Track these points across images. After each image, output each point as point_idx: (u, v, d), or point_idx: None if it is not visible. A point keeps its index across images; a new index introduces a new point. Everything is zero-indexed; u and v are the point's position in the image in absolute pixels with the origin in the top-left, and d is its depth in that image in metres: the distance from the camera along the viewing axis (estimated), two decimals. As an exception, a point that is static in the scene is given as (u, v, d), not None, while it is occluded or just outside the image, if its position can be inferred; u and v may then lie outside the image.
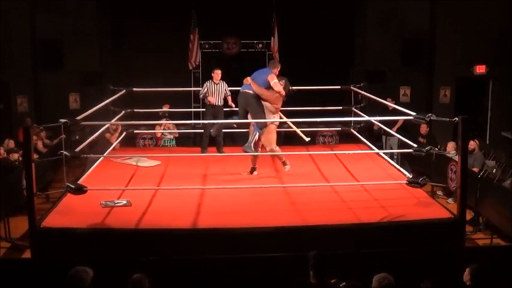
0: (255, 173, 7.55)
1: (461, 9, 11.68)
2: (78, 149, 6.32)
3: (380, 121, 8.94)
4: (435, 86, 12.35)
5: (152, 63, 11.86)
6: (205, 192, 6.70)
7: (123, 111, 8.90)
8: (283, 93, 7.19)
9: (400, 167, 7.51)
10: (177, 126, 10.75)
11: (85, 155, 6.86)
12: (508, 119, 11.56)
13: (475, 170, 8.17)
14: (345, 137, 10.15)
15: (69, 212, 6.02)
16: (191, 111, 11.51)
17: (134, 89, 9.24)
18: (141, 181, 7.28)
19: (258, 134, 7.22)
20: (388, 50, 12.12)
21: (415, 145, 6.82)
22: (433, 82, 12.35)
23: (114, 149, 8.54)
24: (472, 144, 8.44)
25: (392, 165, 7.72)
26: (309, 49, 12.23)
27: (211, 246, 5.47)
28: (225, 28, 12.39)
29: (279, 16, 12.09)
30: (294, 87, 7.53)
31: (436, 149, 8.33)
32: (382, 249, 5.39)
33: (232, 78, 8.85)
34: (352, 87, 9.60)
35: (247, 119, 7.30)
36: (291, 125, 7.68)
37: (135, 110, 9.22)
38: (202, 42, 12.44)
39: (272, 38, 12.23)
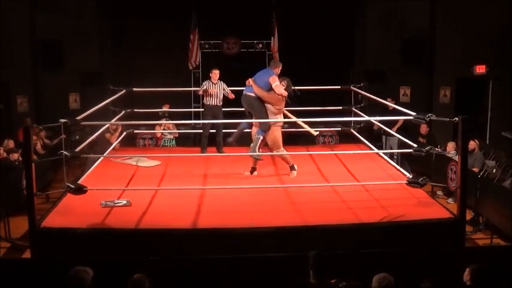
0: (255, 173, 7.54)
1: (461, 9, 11.67)
2: (78, 149, 6.32)
3: (380, 121, 8.94)
4: (435, 86, 12.35)
5: (152, 63, 11.86)
6: (205, 192, 6.70)
7: (123, 111, 8.90)
8: (285, 94, 7.19)
9: (400, 167, 7.51)
10: (177, 126, 10.75)
11: (85, 155, 6.88)
12: (508, 119, 11.56)
13: (475, 170, 8.16)
14: (345, 137, 10.15)
15: (69, 212, 6.02)
16: (191, 111, 11.51)
17: (134, 89, 9.24)
18: (141, 181, 7.28)
19: (261, 137, 7.23)
20: (388, 50, 12.12)
21: (415, 145, 6.82)
22: (433, 82, 12.35)
23: (114, 149, 8.54)
24: (472, 144, 8.44)
25: (392, 165, 7.72)
26: (309, 49, 12.23)
27: (211, 246, 5.47)
28: (225, 28, 12.40)
29: (279, 16, 12.09)
30: (297, 88, 7.52)
31: (436, 149, 8.33)
32: (382, 249, 5.39)
33: (232, 78, 8.86)
34: (352, 87, 9.60)
35: (256, 115, 7.28)
36: (297, 120, 7.68)
37: (135, 110, 9.22)
38: (202, 42, 12.44)
39: (272, 38, 12.23)
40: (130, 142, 10.13)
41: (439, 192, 8.92)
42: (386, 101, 8.73)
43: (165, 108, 10.52)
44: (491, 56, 11.70)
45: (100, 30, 12.08)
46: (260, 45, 12.78)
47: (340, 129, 9.80)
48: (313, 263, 4.02)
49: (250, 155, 7.43)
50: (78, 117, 6.27)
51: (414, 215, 6.00)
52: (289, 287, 4.07)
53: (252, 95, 7.22)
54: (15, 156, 8.32)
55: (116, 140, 8.78)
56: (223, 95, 8.77)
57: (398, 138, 8.24)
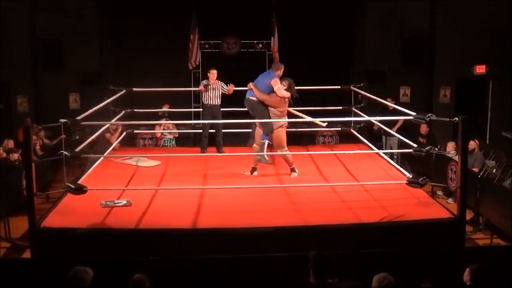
0: (255, 173, 7.55)
1: (461, 9, 11.68)
2: (78, 149, 6.32)
3: (380, 121, 8.94)
4: (435, 86, 12.35)
5: (152, 63, 11.86)
6: (205, 192, 6.70)
7: (123, 111, 8.90)
8: (288, 96, 7.19)
9: (400, 167, 7.51)
10: (177, 126, 10.75)
11: (85, 155, 6.87)
12: (508, 119, 11.56)
13: (475, 170, 8.17)
14: (345, 137, 10.15)
15: (69, 212, 6.02)
16: (191, 111, 11.52)
17: (134, 89, 9.24)
18: (141, 181, 7.28)
19: (267, 142, 7.24)
20: (388, 50, 12.12)
21: (415, 145, 6.82)
22: (433, 82, 12.35)
23: (114, 149, 8.55)
24: (472, 144, 8.44)
25: (392, 165, 7.72)
26: (309, 49, 12.24)
27: (211, 246, 5.47)
28: (225, 28, 12.40)
29: (279, 16, 12.09)
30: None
31: (436, 149, 8.33)
32: (382, 249, 5.39)
33: (233, 79, 8.85)
34: (352, 87, 9.60)
35: (259, 118, 7.30)
36: (303, 115, 7.68)
37: (135, 110, 9.22)
38: (202, 42, 12.44)
39: (272, 38, 12.23)
40: (130, 142, 10.13)
41: (439, 192, 8.93)
42: (386, 101, 8.73)
43: (165, 108, 10.52)
44: (491, 56, 11.70)
45: (100, 30, 12.08)
46: (260, 45, 12.78)
47: (340, 129, 9.79)
48: (313, 263, 4.02)
49: (254, 157, 7.45)
50: (78, 117, 6.28)
51: (414, 215, 6.00)
52: (289, 287, 4.07)
53: (254, 99, 7.23)
54: (15, 156, 8.32)
55: (116, 140, 8.78)
56: (224, 93, 8.76)
57: (398, 138, 8.25)
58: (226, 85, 8.72)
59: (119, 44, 12.55)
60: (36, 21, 11.60)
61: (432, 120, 6.37)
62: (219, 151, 8.83)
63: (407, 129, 10.04)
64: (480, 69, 11.96)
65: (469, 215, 7.13)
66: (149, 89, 9.34)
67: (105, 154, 7.61)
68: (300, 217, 5.96)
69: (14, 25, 11.19)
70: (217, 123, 8.72)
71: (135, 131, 9.70)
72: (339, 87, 9.72)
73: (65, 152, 6.00)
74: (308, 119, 7.77)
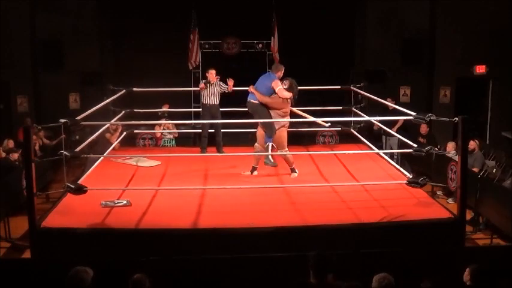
0: (255, 173, 7.55)
1: (461, 9, 11.68)
2: (78, 149, 6.32)
3: (380, 121, 8.94)
4: (435, 86, 12.35)
5: (152, 63, 11.86)
6: (206, 192, 6.70)
7: (123, 111, 8.90)
8: (289, 96, 7.20)
9: (400, 167, 7.50)
10: (177, 126, 10.75)
11: (85, 155, 6.87)
12: (508, 119, 11.56)
13: (475, 170, 8.17)
14: (345, 137, 10.15)
15: (69, 212, 6.02)
16: (191, 111, 11.52)
17: (134, 89, 9.24)
18: (141, 181, 7.28)
19: (271, 144, 7.24)
20: (388, 50, 12.12)
21: (415, 145, 6.81)
22: (433, 82, 12.35)
23: (114, 149, 8.55)
24: (472, 144, 8.44)
25: (392, 165, 7.71)
26: (309, 49, 12.24)
27: (211, 246, 5.47)
28: (225, 28, 12.40)
29: (279, 16, 12.09)
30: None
31: (436, 149, 8.33)
32: (382, 249, 5.39)
33: (233, 79, 8.84)
34: (352, 87, 9.60)
35: (262, 122, 7.30)
36: (306, 115, 7.68)
37: (135, 110, 9.22)
38: (202, 42, 12.44)
39: (272, 38, 12.23)
40: (130, 142, 10.13)
41: (439, 192, 8.93)
42: (386, 101, 8.73)
43: (165, 108, 10.52)
44: (491, 56, 11.70)
45: (100, 30, 12.08)
46: (260, 45, 12.78)
47: (340, 129, 9.79)
48: (313, 263, 4.02)
49: (254, 156, 7.47)
50: (78, 117, 6.27)
51: (414, 215, 6.00)
52: (289, 287, 4.07)
53: (256, 102, 7.24)
54: (15, 156, 8.32)
55: (116, 140, 8.78)
56: (224, 92, 8.76)
57: (398, 138, 8.24)
58: (225, 84, 8.72)
59: (119, 44, 12.55)
60: (36, 21, 11.60)
61: (432, 120, 6.37)
62: (219, 151, 8.83)
63: (407, 129, 10.04)
64: (480, 69, 11.96)
65: (469, 215, 7.13)
66: (149, 89, 9.34)
67: (105, 154, 7.60)
68: (300, 217, 5.96)
69: (14, 25, 11.19)
70: (216, 123, 8.72)
71: (135, 131, 9.71)
72: (339, 87, 9.72)
73: (65, 152, 6.00)
74: (311, 119, 7.78)
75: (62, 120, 6.02)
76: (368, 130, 10.07)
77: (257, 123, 7.45)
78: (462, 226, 5.97)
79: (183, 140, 10.88)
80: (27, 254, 6.10)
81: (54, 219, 5.78)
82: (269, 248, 5.39)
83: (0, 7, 10.95)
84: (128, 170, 7.88)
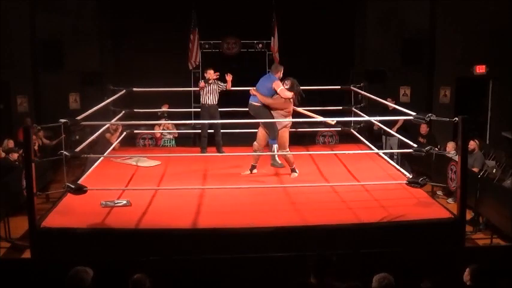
0: (255, 171, 7.55)
1: (461, 9, 11.68)
2: (78, 149, 6.32)
3: (380, 121, 8.94)
4: (435, 86, 12.36)
5: (152, 63, 11.86)
6: (205, 192, 6.70)
7: (123, 111, 8.90)
8: (291, 96, 7.20)
9: (400, 167, 7.51)
10: (177, 126, 10.74)
11: (85, 155, 6.86)
12: (508, 119, 11.56)
13: (475, 170, 8.17)
14: (345, 137, 10.15)
15: (69, 212, 6.02)
16: (191, 111, 11.53)
17: (134, 89, 9.24)
18: (141, 181, 7.28)
19: (276, 145, 7.24)
20: (388, 50, 12.13)
21: (415, 145, 6.81)
22: (433, 82, 12.35)
23: (114, 149, 8.54)
24: (472, 144, 8.44)
25: (392, 165, 7.72)
26: (309, 49, 12.24)
27: (211, 246, 5.47)
28: (225, 28, 12.40)
29: (279, 16, 12.09)
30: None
31: (436, 149, 8.33)
32: (382, 249, 5.39)
33: (232, 79, 8.84)
34: (352, 87, 9.59)
35: (264, 124, 7.31)
36: (314, 115, 7.68)
37: (135, 110, 9.22)
38: (202, 42, 12.44)
39: (272, 38, 12.23)
40: (130, 142, 10.13)
41: (439, 192, 8.93)
42: (386, 101, 8.73)
43: (164, 109, 10.52)
44: (491, 56, 11.70)
45: (100, 30, 12.09)
46: (260, 45, 12.78)
47: (340, 129, 9.79)
48: (313, 263, 4.02)
49: (272, 165, 7.49)
50: (78, 117, 6.27)
51: (414, 215, 6.00)
52: (289, 287, 4.07)
53: (257, 104, 7.25)
54: (15, 156, 8.32)
55: (116, 140, 8.77)
56: (222, 90, 8.77)
57: (398, 138, 8.24)
58: (223, 81, 8.73)
59: (119, 44, 12.55)
60: (36, 21, 11.60)
61: (432, 120, 6.37)
62: (218, 151, 8.83)
63: (407, 129, 10.04)
64: (480, 69, 11.96)
65: (469, 215, 7.13)
66: (149, 89, 9.34)
67: (105, 154, 7.60)
68: (300, 217, 5.96)
69: (14, 25, 11.19)
70: (216, 123, 8.72)
71: (135, 131, 9.71)
72: (339, 87, 9.72)
73: (65, 152, 6.00)
74: (320, 118, 7.77)
75: (62, 120, 6.02)
76: (368, 130, 10.07)
77: (258, 124, 7.45)
78: (462, 226, 5.97)
79: (183, 140, 10.88)
80: (27, 254, 6.10)
81: (54, 219, 5.78)
82: (269, 248, 5.39)
83: (0, 7, 10.95)
84: (127, 170, 7.88)
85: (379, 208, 6.19)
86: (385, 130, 9.08)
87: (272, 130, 7.22)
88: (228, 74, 8.70)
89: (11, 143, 8.88)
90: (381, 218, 5.90)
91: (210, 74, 8.68)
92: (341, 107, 9.69)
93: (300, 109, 7.63)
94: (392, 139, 10.15)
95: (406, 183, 6.37)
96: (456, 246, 5.78)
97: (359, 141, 9.05)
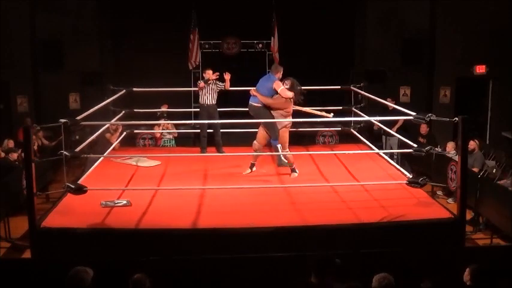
0: (254, 169, 7.54)
1: (461, 9, 11.68)
2: (78, 149, 6.32)
3: (380, 121, 8.94)
4: (435, 86, 12.35)
5: (152, 63, 11.85)
6: (205, 192, 6.70)
7: (123, 111, 8.90)
8: (292, 96, 7.21)
9: (400, 167, 7.51)
10: (176, 126, 10.74)
11: (85, 155, 6.87)
12: (508, 119, 11.56)
13: (475, 170, 8.16)
14: (345, 137, 10.15)
15: (69, 212, 6.02)
16: (191, 111, 11.53)
17: (134, 89, 9.25)
18: (141, 181, 7.28)
19: (279, 144, 7.24)
20: (388, 50, 12.12)
21: (415, 145, 6.82)
22: (433, 82, 12.35)
23: (114, 149, 8.54)
24: (472, 144, 8.44)
25: (392, 165, 7.72)
26: (309, 49, 12.23)
27: (211, 246, 5.47)
28: (225, 28, 12.39)
29: (279, 16, 12.08)
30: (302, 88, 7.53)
31: (436, 149, 8.33)
32: (382, 249, 5.39)
33: (232, 79, 8.85)
34: (352, 87, 9.59)
35: (264, 125, 7.31)
36: (308, 109, 7.67)
37: (135, 110, 9.22)
38: (202, 42, 12.43)
39: (272, 38, 12.22)
40: (130, 142, 10.13)
41: (439, 192, 8.93)
42: (386, 101, 8.73)
43: (164, 109, 10.51)
44: (491, 56, 11.70)
45: (100, 30, 12.09)
46: (260, 45, 12.77)
47: (340, 129, 9.80)
48: (313, 263, 4.02)
49: (279, 165, 7.49)
50: (78, 117, 6.28)
51: (414, 215, 6.00)
52: (289, 287, 4.07)
53: (257, 104, 7.25)
54: (15, 156, 8.32)
55: (116, 140, 8.77)
56: (221, 89, 8.77)
57: (398, 138, 8.24)
58: (222, 80, 8.73)
59: (119, 44, 12.55)
60: (36, 21, 11.60)
61: (432, 120, 6.37)
62: (218, 151, 8.83)
63: (407, 129, 10.04)
64: (480, 69, 11.96)
65: (469, 215, 7.13)
66: (149, 89, 9.35)
67: (105, 154, 7.60)
68: (300, 217, 5.96)
69: (14, 25, 11.19)
70: (215, 123, 8.72)
71: (135, 131, 9.71)
72: (339, 87, 9.72)
73: (65, 152, 6.00)
74: (322, 114, 7.76)
75: (62, 120, 6.02)
76: (368, 130, 10.06)
77: (258, 124, 7.45)
78: (462, 226, 5.97)
79: (183, 140, 10.87)
80: (27, 254, 6.10)
81: (54, 219, 5.78)
82: (269, 248, 5.39)
83: (0, 7, 10.96)
84: (128, 170, 7.88)
85: (379, 208, 6.19)
86: (385, 130, 9.08)
87: (273, 130, 7.23)
88: (226, 73, 8.71)
89: (11, 143, 8.88)
90: (381, 218, 5.90)
91: (209, 74, 8.69)
92: (341, 107, 9.69)
93: (306, 109, 7.64)
94: (392, 139, 10.15)
95: (406, 183, 6.37)
96: (456, 246, 5.78)
97: (359, 141, 9.05)
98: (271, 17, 12.10)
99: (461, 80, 12.20)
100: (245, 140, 8.48)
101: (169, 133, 10.43)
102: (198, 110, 9.14)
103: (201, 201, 6.39)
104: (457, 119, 5.90)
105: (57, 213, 5.99)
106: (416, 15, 12.13)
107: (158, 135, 10.41)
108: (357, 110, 9.35)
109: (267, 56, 12.60)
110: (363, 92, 9.06)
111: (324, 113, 7.74)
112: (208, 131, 8.85)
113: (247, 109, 7.46)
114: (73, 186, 5.93)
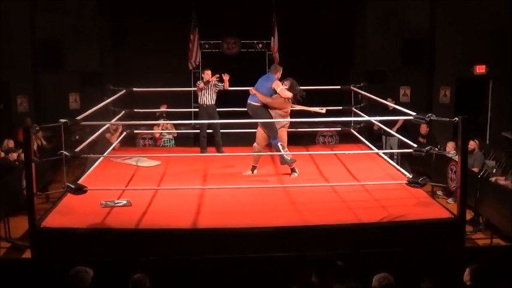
0: (255, 171, 7.55)
1: (461, 9, 11.68)
2: (78, 149, 6.32)
3: (380, 121, 8.94)
4: (435, 86, 12.35)
5: (152, 63, 11.86)
6: (205, 192, 6.70)
7: (123, 111, 8.90)
8: (291, 96, 7.21)
9: (400, 167, 7.51)
10: (176, 126, 10.74)
11: (85, 155, 6.87)
12: (508, 119, 11.56)
13: (475, 170, 8.16)
14: (345, 137, 10.15)
15: (69, 212, 6.02)
16: (191, 111, 11.53)
17: (134, 89, 9.25)
18: (141, 181, 7.27)
19: (278, 142, 7.24)
20: (388, 50, 12.12)
21: (415, 145, 6.82)
22: (433, 82, 12.35)
23: (114, 149, 8.54)
24: (472, 144, 8.44)
25: (392, 165, 7.72)
26: (309, 49, 12.23)
27: (211, 246, 5.47)
28: (225, 28, 12.39)
29: (279, 16, 12.08)
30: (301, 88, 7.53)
31: (436, 149, 8.33)
32: (382, 249, 5.39)
33: (232, 79, 8.85)
34: (352, 87, 9.59)
35: (263, 125, 7.31)
36: (302, 107, 7.68)
37: (135, 110, 9.22)
38: (202, 42, 12.43)
39: (272, 38, 12.22)
40: (130, 142, 10.13)
41: (439, 192, 8.93)
42: (386, 101, 8.73)
43: (163, 109, 10.51)
44: (491, 56, 11.70)
45: (100, 30, 12.08)
46: (260, 45, 12.76)
47: (340, 129, 9.80)
48: (315, 263, 4.02)
49: (282, 163, 7.46)
50: (78, 117, 6.28)
51: (414, 215, 6.00)
52: (290, 287, 4.07)
53: (256, 104, 7.26)
54: (14, 156, 8.32)
55: (116, 140, 8.77)
56: (220, 90, 8.77)
57: (398, 138, 8.24)
58: (221, 80, 8.73)
59: (119, 44, 12.54)
60: (36, 21, 11.60)
61: (432, 120, 6.37)
62: (218, 151, 8.83)
63: (407, 129, 10.04)
64: (480, 69, 11.96)
65: (469, 215, 7.13)
66: (149, 89, 9.35)
67: (105, 154, 7.60)
68: (300, 217, 5.96)
69: (14, 25, 11.19)
70: (214, 123, 8.72)
71: (135, 131, 9.71)
72: (339, 87, 9.72)
73: (65, 152, 6.00)
74: (311, 108, 7.75)
75: (62, 120, 6.02)
76: (368, 130, 10.06)
77: (257, 124, 7.45)
78: (462, 226, 5.97)
79: (183, 140, 10.87)
80: (27, 254, 6.10)
81: (54, 219, 5.78)
82: (269, 248, 5.39)
83: (0, 7, 10.96)
84: (128, 170, 7.88)
85: (379, 208, 6.19)
86: (385, 130, 9.08)
87: (271, 130, 7.23)
88: (225, 74, 8.71)
89: (11, 143, 8.88)
90: (381, 218, 5.90)
91: (208, 74, 8.70)
92: (341, 107, 9.69)
93: (298, 107, 7.64)
94: (392, 139, 10.15)
95: (406, 183, 6.37)
96: (456, 246, 5.78)
97: (359, 141, 9.05)
98: (271, 17, 12.09)
99: (461, 80, 12.20)
100: (245, 140, 8.49)
101: (168, 133, 10.43)
102: (197, 110, 9.15)
103: (201, 201, 6.39)
104: (457, 119, 5.90)
105: (57, 213, 5.99)
106: (416, 15, 12.13)
107: (157, 135, 10.41)
108: (357, 110, 9.35)
109: (267, 56, 12.59)
110: (363, 92, 9.06)
111: (316, 109, 7.73)
112: (208, 131, 8.86)
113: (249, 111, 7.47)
114: (73, 186, 5.93)
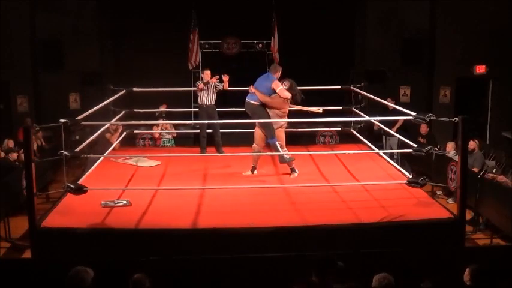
0: (255, 172, 7.55)
1: (461, 9, 11.68)
2: (78, 149, 6.32)
3: (380, 121, 8.94)
4: (435, 86, 12.35)
5: (152, 63, 11.85)
6: (205, 192, 6.70)
7: (123, 111, 8.90)
8: (290, 96, 7.22)
9: (400, 167, 7.51)
10: (176, 126, 10.74)
11: (85, 155, 6.87)
12: (508, 119, 11.56)
13: (475, 170, 8.16)
14: (345, 137, 10.15)
15: (69, 212, 6.02)
16: (191, 111, 11.53)
17: (134, 89, 9.25)
18: (141, 181, 7.28)
19: (276, 141, 7.23)
20: (388, 50, 12.12)
21: (415, 145, 6.82)
22: (433, 82, 12.35)
23: (114, 149, 8.54)
24: (472, 144, 8.44)
25: (392, 165, 7.72)
26: (309, 49, 12.23)
27: (211, 246, 5.47)
28: (225, 28, 12.39)
29: (279, 16, 12.08)
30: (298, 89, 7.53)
31: (436, 149, 8.33)
32: (382, 249, 5.39)
33: (232, 79, 8.85)
34: (352, 87, 9.59)
35: (260, 124, 7.31)
36: (299, 107, 7.68)
37: (135, 110, 9.22)
38: (202, 42, 12.42)
39: (272, 38, 12.22)
40: (130, 142, 10.13)
41: (439, 192, 8.93)
42: (386, 101, 8.73)
43: (162, 109, 10.51)
44: (491, 56, 11.70)
45: (100, 30, 12.08)
46: (260, 45, 12.76)
47: (340, 129, 9.80)
48: (314, 263, 4.02)
49: (281, 162, 7.45)
50: (78, 117, 6.28)
51: (414, 215, 6.00)
52: (290, 287, 4.07)
53: (255, 102, 7.26)
54: (14, 156, 8.32)
55: (116, 140, 8.78)
56: (220, 90, 8.77)
57: (398, 138, 8.24)
58: (220, 81, 8.73)
59: (119, 44, 12.54)
60: (36, 21, 11.60)
61: (432, 120, 6.37)
62: (218, 151, 8.83)
63: (407, 129, 10.04)
64: (480, 69, 11.96)
65: (469, 215, 7.13)
66: (149, 89, 9.35)
67: (105, 154, 7.61)
68: (300, 217, 5.96)
69: (14, 25, 11.19)
70: (214, 123, 8.72)
71: (135, 131, 9.71)
72: (339, 87, 9.72)
73: (65, 152, 6.00)
74: (303, 108, 7.75)
75: (62, 120, 6.02)
76: (368, 130, 10.06)
77: (255, 123, 7.45)
78: (462, 226, 5.97)
79: (183, 140, 10.87)
80: (27, 254, 6.10)
81: (54, 219, 5.78)
82: (269, 248, 5.39)
83: (0, 7, 10.96)
84: (128, 170, 7.88)
85: (379, 208, 6.19)
86: (385, 130, 9.08)
87: (268, 130, 7.23)
88: (225, 74, 8.71)
89: (11, 143, 8.87)
90: (381, 218, 5.90)
91: (207, 75, 8.71)
92: (341, 107, 9.70)
93: (296, 107, 7.64)
94: (392, 139, 10.15)
95: (406, 183, 6.37)
96: (456, 246, 5.78)
97: (359, 141, 9.05)
98: (271, 17, 12.09)
99: (461, 80, 12.20)
100: (245, 140, 8.49)
101: (168, 133, 10.42)
102: (197, 110, 9.15)
103: (201, 201, 6.39)
104: (457, 119, 5.90)
105: (57, 213, 5.99)
106: (416, 15, 12.13)
107: (157, 135, 10.41)
108: (357, 110, 9.35)
109: (267, 56, 12.59)
110: (363, 92, 9.05)
111: (313, 109, 7.72)
112: (207, 131, 8.86)
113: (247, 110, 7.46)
114: (73, 186, 5.93)
